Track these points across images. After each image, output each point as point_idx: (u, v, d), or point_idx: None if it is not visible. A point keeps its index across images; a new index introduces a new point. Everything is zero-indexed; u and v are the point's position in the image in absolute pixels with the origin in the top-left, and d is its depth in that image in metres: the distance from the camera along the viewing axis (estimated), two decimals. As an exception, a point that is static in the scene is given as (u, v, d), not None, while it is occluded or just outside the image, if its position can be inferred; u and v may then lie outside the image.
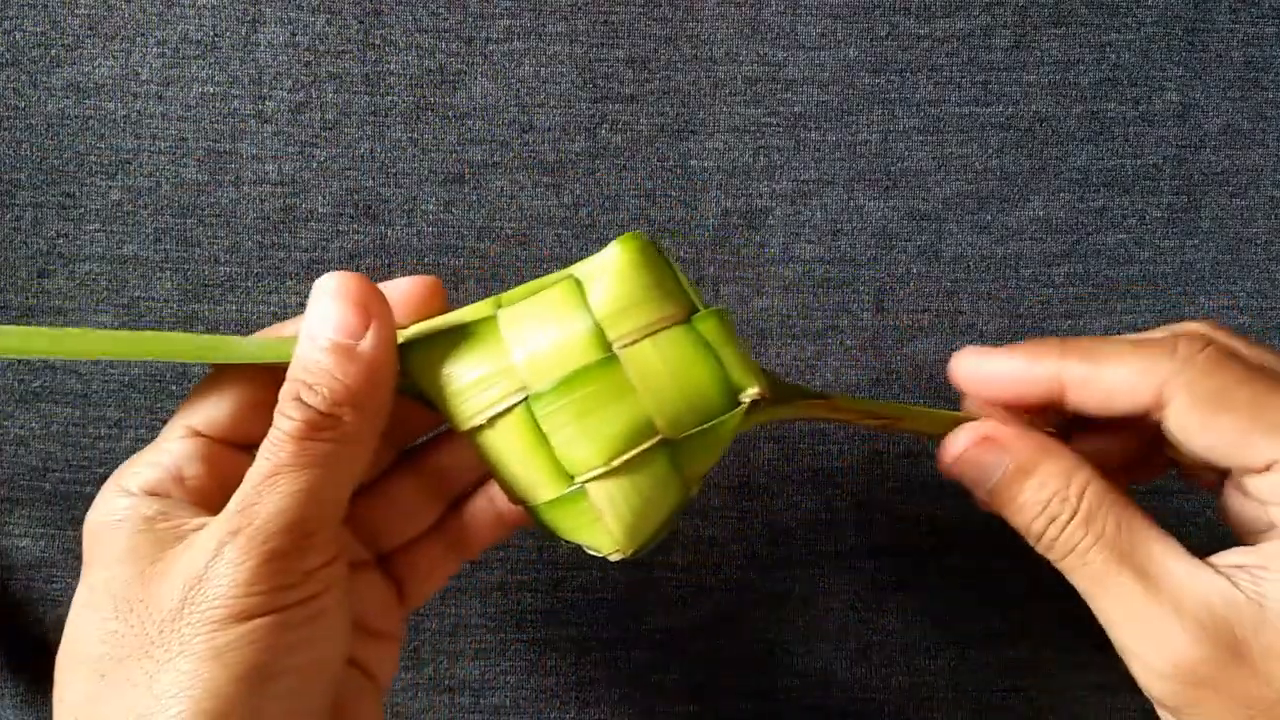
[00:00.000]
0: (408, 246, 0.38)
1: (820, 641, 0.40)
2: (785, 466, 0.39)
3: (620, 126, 0.38)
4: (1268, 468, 0.27)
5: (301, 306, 0.38)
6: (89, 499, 0.40)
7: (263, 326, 0.38)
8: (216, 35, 0.38)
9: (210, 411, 0.28)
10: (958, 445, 0.30)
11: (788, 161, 0.39)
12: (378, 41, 0.38)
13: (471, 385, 0.27)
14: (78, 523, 0.39)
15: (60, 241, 0.38)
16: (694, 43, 0.38)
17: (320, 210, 0.38)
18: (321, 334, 0.27)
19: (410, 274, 0.38)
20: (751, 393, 0.27)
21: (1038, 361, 0.29)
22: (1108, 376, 0.28)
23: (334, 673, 0.27)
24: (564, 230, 0.38)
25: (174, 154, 0.38)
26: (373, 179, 0.38)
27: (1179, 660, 0.26)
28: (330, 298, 0.27)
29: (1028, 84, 0.39)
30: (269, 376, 0.28)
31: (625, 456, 0.26)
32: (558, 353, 0.27)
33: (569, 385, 0.26)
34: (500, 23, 0.38)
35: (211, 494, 0.27)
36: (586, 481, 0.27)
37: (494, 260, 0.38)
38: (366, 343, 0.27)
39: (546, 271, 0.39)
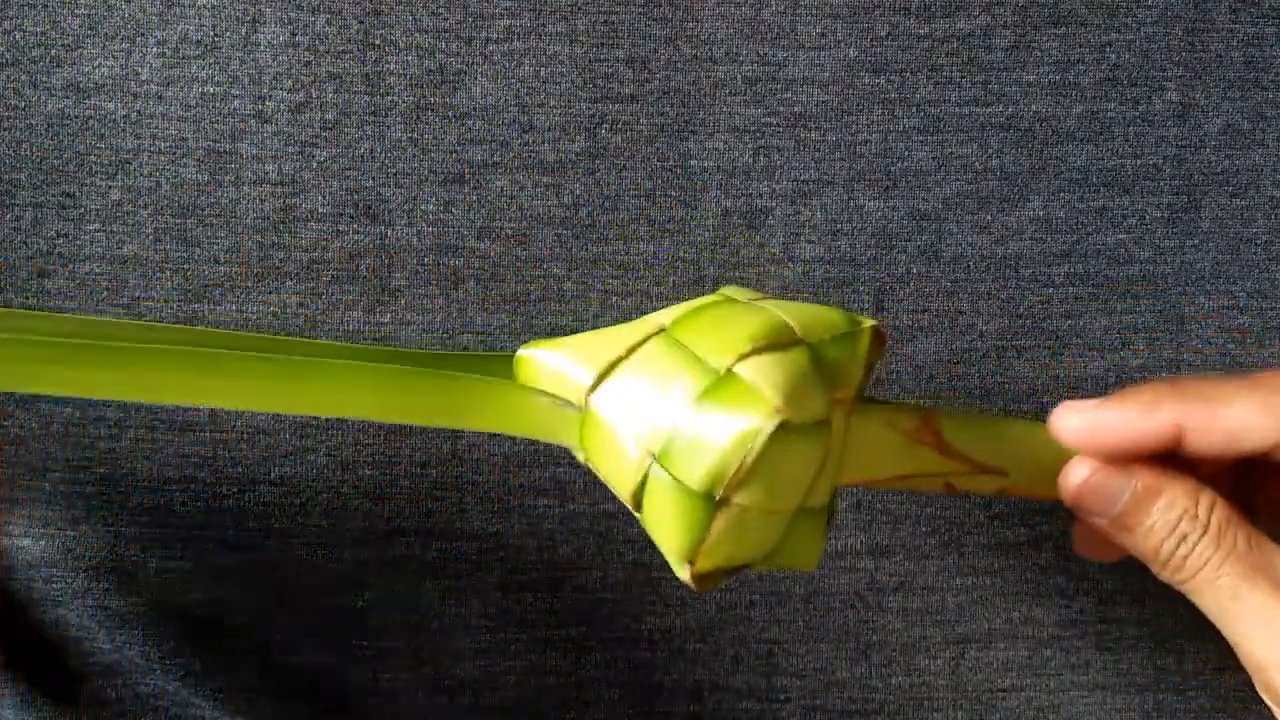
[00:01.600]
0: (408, 246, 0.38)
1: (820, 641, 0.40)
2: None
3: (620, 126, 0.38)
4: None
5: (302, 306, 0.38)
6: (89, 499, 0.40)
7: (262, 327, 0.38)
8: (216, 35, 0.38)
9: None
10: (1080, 473, 0.30)
11: (788, 161, 0.39)
12: (378, 41, 0.38)
13: (605, 337, 0.28)
14: (78, 522, 0.39)
15: (60, 241, 0.38)
16: (694, 43, 0.38)
17: (320, 210, 0.38)
18: None
19: (410, 275, 0.38)
20: (872, 322, 0.28)
21: (1155, 410, 0.29)
22: (1232, 417, 0.28)
23: None
24: (564, 230, 0.39)
25: (174, 154, 0.38)
26: (373, 179, 0.38)
27: None
28: None
29: (1028, 84, 0.39)
30: None
31: (770, 339, 0.26)
32: (688, 306, 0.28)
33: (704, 307, 0.28)
34: (500, 23, 0.38)
35: None
36: (736, 363, 0.26)
37: (494, 260, 0.38)
38: None
39: (547, 271, 0.39)
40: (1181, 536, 0.28)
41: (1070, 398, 0.39)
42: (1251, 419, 0.28)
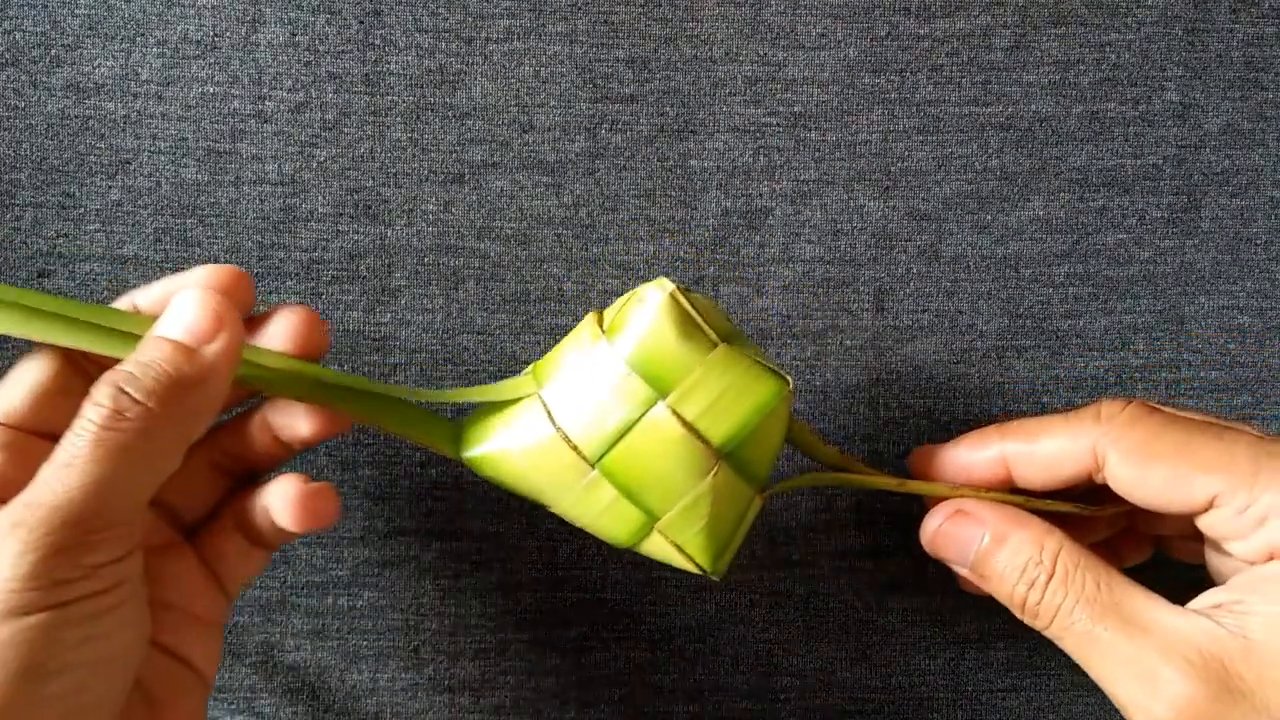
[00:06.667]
0: (408, 246, 0.38)
1: (820, 641, 0.40)
2: (785, 467, 0.39)
3: (620, 126, 0.38)
4: (1210, 505, 0.28)
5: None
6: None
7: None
8: (216, 35, 0.38)
9: (6, 397, 0.28)
10: (934, 522, 0.31)
11: (788, 161, 0.39)
12: (378, 41, 0.38)
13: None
14: (78, 523, 0.39)
15: (60, 241, 0.38)
16: (694, 43, 0.38)
17: (320, 210, 0.38)
18: (167, 331, 0.27)
19: (410, 275, 0.38)
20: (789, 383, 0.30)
21: (981, 447, 0.31)
22: (1043, 448, 0.30)
23: (125, 670, 0.26)
24: (564, 230, 0.39)
25: (174, 154, 0.38)
26: (373, 179, 0.38)
27: (1178, 702, 0.26)
28: (188, 302, 0.27)
29: (1028, 84, 0.39)
30: (75, 363, 0.28)
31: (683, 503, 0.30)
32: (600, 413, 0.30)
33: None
34: (500, 23, 0.38)
35: (17, 485, 0.26)
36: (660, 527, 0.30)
37: (494, 260, 0.38)
38: (210, 348, 0.27)
39: (547, 271, 0.39)
40: (1030, 581, 0.29)
41: (1070, 398, 0.39)
42: (1061, 449, 0.30)
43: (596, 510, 0.30)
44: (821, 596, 0.40)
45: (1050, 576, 0.28)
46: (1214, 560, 0.30)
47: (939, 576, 0.40)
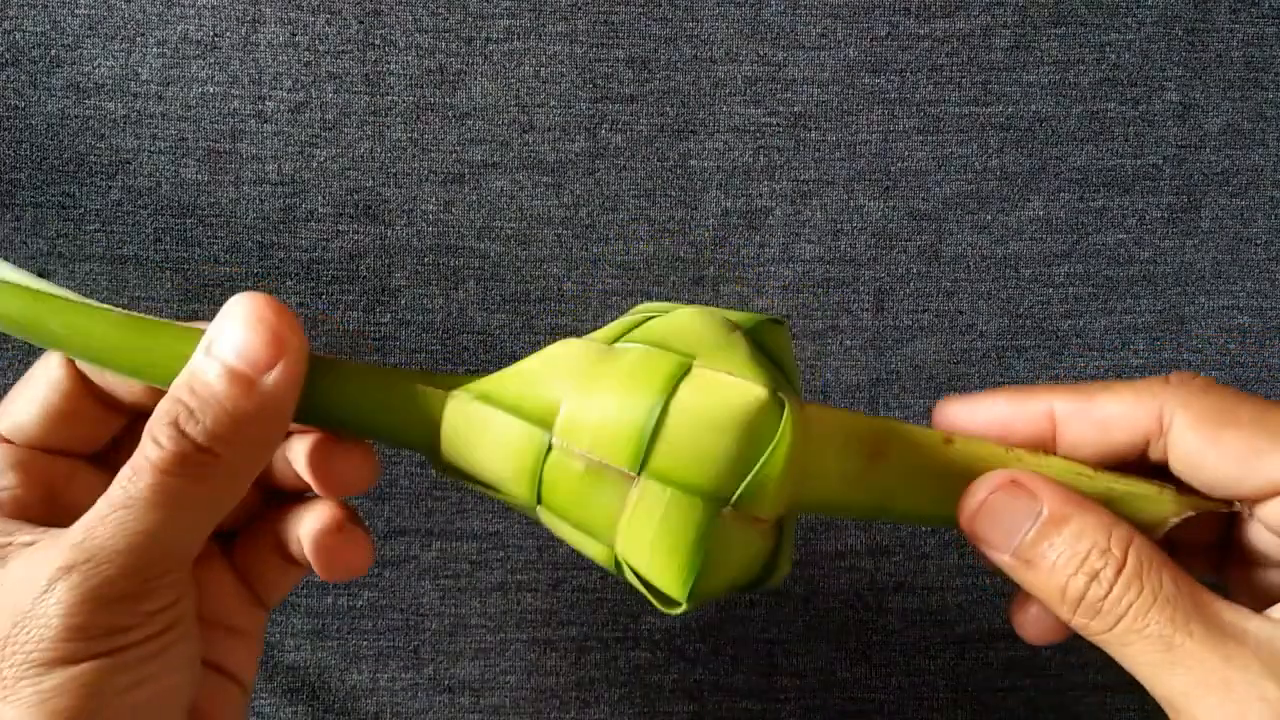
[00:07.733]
0: (408, 246, 0.38)
1: (820, 641, 0.40)
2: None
3: (620, 126, 0.38)
4: None
5: (302, 307, 0.38)
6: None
7: (263, 326, 0.38)
8: (216, 35, 0.38)
9: (17, 416, 0.26)
10: (980, 493, 0.26)
11: (788, 161, 0.39)
12: (378, 41, 0.38)
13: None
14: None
15: (60, 241, 0.38)
16: (694, 43, 0.38)
17: (320, 210, 0.38)
18: (223, 356, 0.24)
19: (410, 275, 0.38)
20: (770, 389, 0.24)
21: (1026, 400, 0.27)
22: (1102, 406, 0.27)
23: (177, 710, 0.25)
24: (564, 230, 0.39)
25: (174, 154, 0.38)
26: (373, 179, 0.38)
27: None
28: (243, 320, 0.24)
29: (1028, 84, 0.39)
30: (84, 383, 0.27)
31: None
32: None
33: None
34: (500, 23, 0.38)
35: (31, 505, 0.25)
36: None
37: (494, 260, 0.38)
38: (270, 378, 0.24)
39: (547, 271, 0.39)
40: (1092, 573, 0.24)
41: (1070, 398, 0.39)
42: (1122, 409, 0.26)
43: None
44: (821, 596, 0.40)
45: (1120, 569, 0.24)
46: (1249, 574, 0.27)
47: (939, 576, 0.40)
